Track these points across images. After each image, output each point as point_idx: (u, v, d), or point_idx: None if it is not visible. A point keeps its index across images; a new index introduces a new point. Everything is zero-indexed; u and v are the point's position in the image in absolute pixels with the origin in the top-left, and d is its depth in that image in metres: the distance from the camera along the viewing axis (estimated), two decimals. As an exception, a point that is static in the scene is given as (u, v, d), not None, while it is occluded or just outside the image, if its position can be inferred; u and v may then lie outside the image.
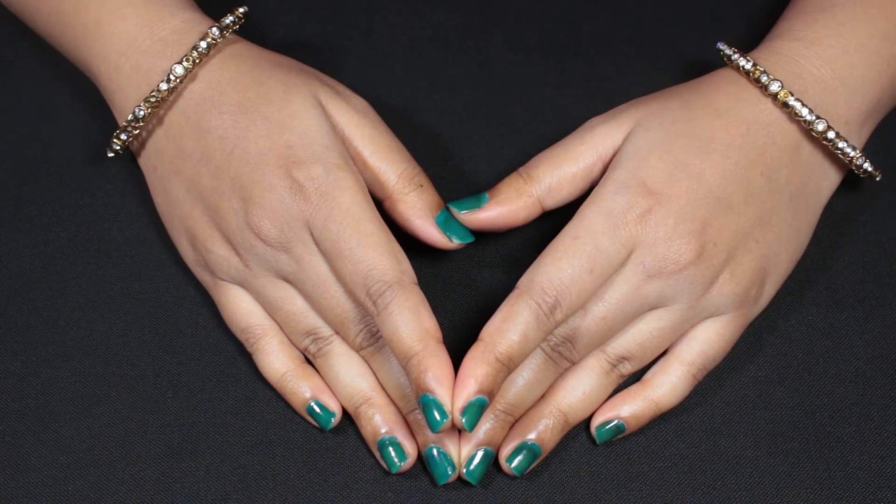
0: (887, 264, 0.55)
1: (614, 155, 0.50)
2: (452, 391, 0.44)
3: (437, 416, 0.44)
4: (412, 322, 0.45)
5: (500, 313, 0.46)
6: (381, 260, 0.46)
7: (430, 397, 0.44)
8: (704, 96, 0.50)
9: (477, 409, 0.45)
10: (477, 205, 0.50)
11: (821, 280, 0.54)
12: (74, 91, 0.60)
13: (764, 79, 0.49)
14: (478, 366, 0.45)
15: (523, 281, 0.47)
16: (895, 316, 0.53)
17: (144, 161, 0.53)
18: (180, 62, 0.50)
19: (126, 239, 0.56)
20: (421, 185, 0.51)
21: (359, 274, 0.46)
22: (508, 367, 0.45)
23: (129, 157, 0.57)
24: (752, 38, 0.61)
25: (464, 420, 0.44)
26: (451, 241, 0.51)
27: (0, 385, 0.52)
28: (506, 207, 0.50)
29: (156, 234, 0.55)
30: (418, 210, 0.51)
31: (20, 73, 0.61)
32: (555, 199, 0.51)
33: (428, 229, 0.51)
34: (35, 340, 0.53)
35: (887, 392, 0.51)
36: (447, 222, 0.51)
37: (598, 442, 0.50)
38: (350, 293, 0.48)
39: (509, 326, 0.46)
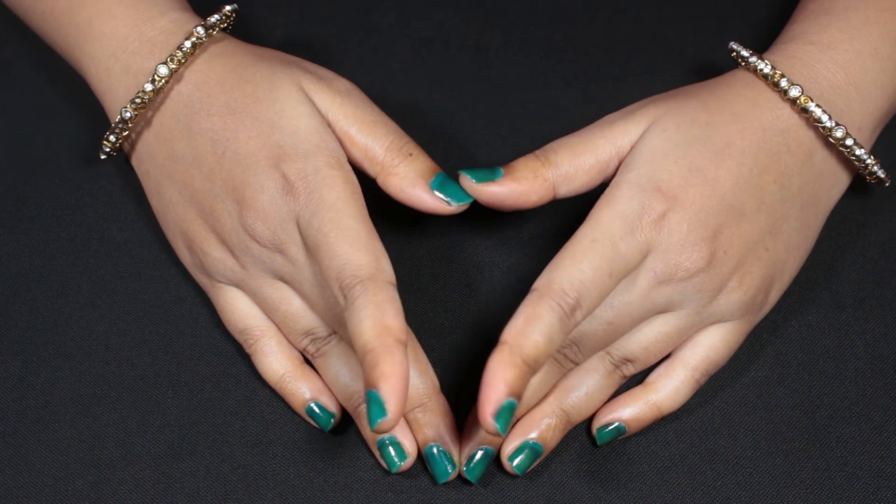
0: (887, 264, 0.55)
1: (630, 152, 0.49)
2: (400, 392, 0.43)
3: (377, 414, 0.42)
4: (374, 317, 0.44)
5: (522, 315, 0.45)
6: (356, 255, 0.45)
7: (375, 393, 0.42)
8: (721, 98, 0.49)
9: (509, 413, 0.43)
10: (491, 177, 0.48)
11: (821, 280, 0.54)
12: (74, 91, 0.60)
13: (784, 83, 0.49)
14: (506, 369, 0.43)
15: (541, 283, 0.46)
16: (895, 316, 0.53)
17: (137, 164, 0.53)
18: (165, 63, 0.49)
19: (126, 239, 0.56)
20: (410, 154, 0.49)
21: (333, 268, 0.46)
22: (534, 368, 0.44)
23: (127, 158, 0.57)
24: (752, 38, 0.61)
25: (497, 425, 0.43)
26: (448, 204, 0.49)
27: (0, 385, 0.52)
28: (520, 186, 0.48)
29: (155, 234, 0.55)
30: (410, 179, 0.49)
31: (20, 73, 0.61)
32: (568, 188, 0.49)
33: (422, 196, 0.49)
34: (35, 340, 0.53)
35: (887, 392, 0.51)
36: (443, 186, 0.49)
37: (598, 443, 0.50)
38: (328, 287, 0.47)
39: (534, 328, 0.44)
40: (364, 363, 0.43)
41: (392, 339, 0.43)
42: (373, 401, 0.42)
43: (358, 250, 0.45)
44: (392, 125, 0.50)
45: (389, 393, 0.42)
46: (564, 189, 0.49)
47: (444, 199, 0.49)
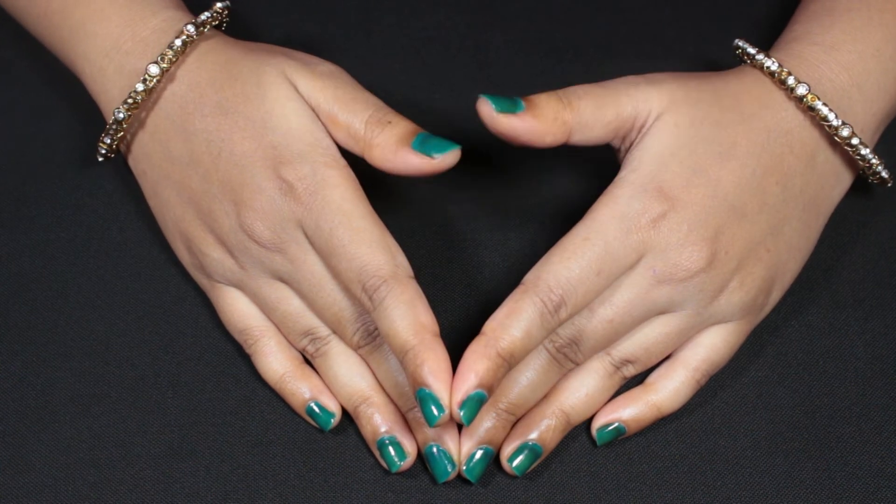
0: (887, 264, 0.55)
1: (641, 127, 0.49)
2: (450, 385, 0.44)
3: (434, 411, 0.44)
4: (408, 316, 0.45)
5: (504, 308, 0.46)
6: (375, 255, 0.46)
7: (427, 391, 0.44)
8: (733, 96, 0.49)
9: (476, 404, 0.44)
10: (512, 109, 0.47)
11: (821, 280, 0.54)
12: (74, 91, 0.60)
13: (791, 81, 0.49)
14: (479, 360, 0.44)
15: (529, 277, 0.46)
16: (895, 316, 0.53)
17: (134, 164, 0.53)
18: (155, 62, 0.49)
19: (126, 239, 0.56)
20: (389, 122, 0.48)
21: (353, 270, 0.46)
22: (509, 362, 0.45)
23: (124, 159, 0.57)
24: (752, 39, 0.61)
25: (462, 414, 0.44)
26: (432, 158, 0.47)
27: (0, 385, 0.52)
28: (539, 125, 0.47)
29: (155, 234, 0.55)
30: (391, 146, 0.47)
31: (20, 73, 0.61)
32: (582, 136, 0.48)
33: (406, 158, 0.47)
34: (35, 340, 0.53)
35: (887, 392, 0.51)
36: (424, 143, 0.47)
37: (598, 443, 0.50)
38: (346, 290, 0.48)
39: (513, 322, 0.45)
40: (406, 362, 0.44)
41: (429, 334, 0.45)
42: (427, 399, 0.44)
43: (375, 250, 0.46)
44: (372, 99, 0.49)
45: (442, 388, 0.44)
46: (578, 136, 0.48)
47: (428, 155, 0.47)
